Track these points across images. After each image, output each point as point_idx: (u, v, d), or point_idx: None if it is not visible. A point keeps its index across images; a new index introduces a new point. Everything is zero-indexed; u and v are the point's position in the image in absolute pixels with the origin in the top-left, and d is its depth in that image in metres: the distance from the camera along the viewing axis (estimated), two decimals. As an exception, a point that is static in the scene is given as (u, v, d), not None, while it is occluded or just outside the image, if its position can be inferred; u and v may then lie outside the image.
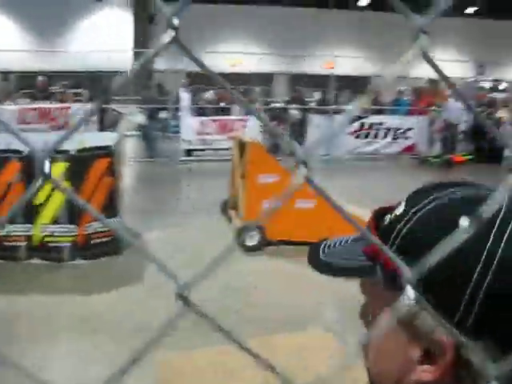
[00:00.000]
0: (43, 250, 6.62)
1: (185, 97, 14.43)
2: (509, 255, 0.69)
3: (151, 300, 5.71)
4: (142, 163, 13.24)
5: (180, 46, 0.45)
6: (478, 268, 0.69)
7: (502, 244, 0.69)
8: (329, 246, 0.92)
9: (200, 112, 14.84)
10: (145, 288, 6.03)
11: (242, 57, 22.62)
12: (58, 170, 6.39)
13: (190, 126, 13.85)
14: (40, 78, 14.77)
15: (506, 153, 13.14)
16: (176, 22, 0.44)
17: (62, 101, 14.21)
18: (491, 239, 0.69)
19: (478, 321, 0.69)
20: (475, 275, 0.69)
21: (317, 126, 14.42)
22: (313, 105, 17.21)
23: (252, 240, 7.08)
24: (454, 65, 21.10)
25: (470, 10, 30.77)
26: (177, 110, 15.01)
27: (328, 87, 16.67)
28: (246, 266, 6.65)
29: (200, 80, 14.61)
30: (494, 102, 17.62)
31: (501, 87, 22.97)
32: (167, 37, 0.44)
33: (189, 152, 13.99)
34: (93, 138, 7.19)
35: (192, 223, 8.34)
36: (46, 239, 6.60)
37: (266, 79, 25.61)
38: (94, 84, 16.98)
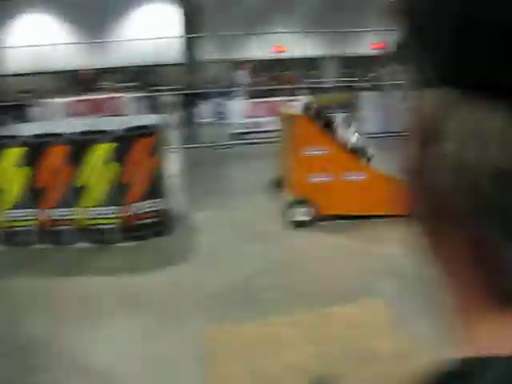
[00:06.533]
0: (89, 232, 6.60)
1: (242, 80, 14.41)
2: None
3: (199, 279, 5.62)
4: (188, 149, 13.14)
5: None
6: None
7: None
8: None
9: (250, 95, 14.77)
10: (193, 268, 5.93)
11: (286, 42, 22.36)
12: (105, 150, 6.38)
13: (238, 109, 13.79)
14: (82, 70, 14.97)
15: None
16: None
17: (111, 93, 14.36)
18: None
19: None
20: None
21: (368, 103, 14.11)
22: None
23: (302, 215, 6.91)
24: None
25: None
26: (225, 94, 14.97)
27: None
28: (297, 241, 6.51)
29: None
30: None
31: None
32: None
33: (238, 135, 13.88)
34: (137, 119, 7.18)
35: (241, 202, 8.21)
36: (91, 222, 6.57)
37: (312, 64, 25.28)
38: (142, 76, 17.04)
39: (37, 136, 6.61)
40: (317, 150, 6.85)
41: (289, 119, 7.62)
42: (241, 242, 6.59)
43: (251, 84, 15.18)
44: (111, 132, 6.42)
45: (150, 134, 6.55)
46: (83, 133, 6.58)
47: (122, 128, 6.49)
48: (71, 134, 6.52)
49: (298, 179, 7.02)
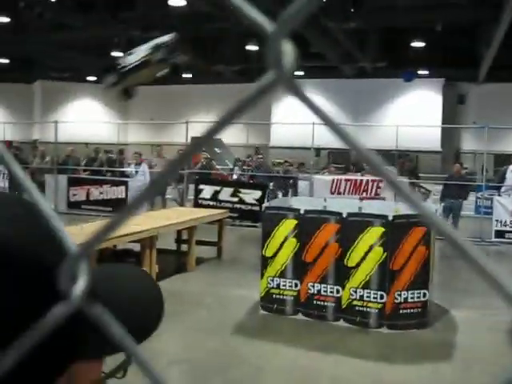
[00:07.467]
0: (350, 313, 6.67)
1: (511, 176, 13.91)
2: None
3: (457, 381, 5.33)
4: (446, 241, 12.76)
5: None
6: None
7: None
8: None
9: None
10: (453, 367, 5.65)
11: None
12: (375, 234, 6.46)
13: (503, 206, 13.15)
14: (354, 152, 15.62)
15: None
16: None
17: (372, 174, 14.70)
18: None
19: None
20: None
21: None
22: None
23: None
24: None
25: None
26: (492, 188, 14.52)
27: None
28: None
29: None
30: None
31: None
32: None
33: (502, 233, 13.18)
34: (408, 206, 7.17)
35: (503, 307, 7.70)
36: (355, 303, 6.63)
37: None
38: (403, 161, 17.17)
39: (310, 211, 6.93)
40: None
41: None
42: (501, 348, 6.14)
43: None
44: (384, 217, 6.50)
45: (423, 223, 6.49)
46: (354, 214, 6.76)
47: (394, 213, 6.54)
48: (343, 213, 6.72)
49: None
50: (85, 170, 18.10)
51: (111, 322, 0.37)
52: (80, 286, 0.33)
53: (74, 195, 16.18)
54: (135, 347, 0.39)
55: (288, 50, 0.26)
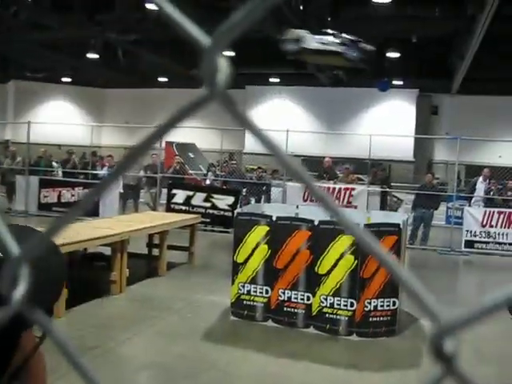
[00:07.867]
0: (320, 320, 6.69)
1: (479, 186, 14.12)
2: None
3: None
4: (417, 250, 12.92)
5: None
6: None
7: None
8: None
9: (486, 203, 14.31)
10: (421, 375, 5.69)
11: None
12: (346, 242, 6.49)
13: (474, 215, 13.33)
14: (326, 159, 15.74)
15: None
16: None
17: (345, 182, 14.83)
18: None
19: None
20: None
21: None
22: None
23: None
24: None
25: None
26: (461, 198, 14.75)
27: None
28: None
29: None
30: None
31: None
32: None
33: (471, 242, 13.34)
34: (379, 215, 7.22)
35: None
36: (325, 310, 6.65)
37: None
38: (375, 170, 17.30)
39: (282, 218, 6.94)
40: None
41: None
42: (467, 357, 6.20)
43: (488, 191, 14.67)
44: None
45: (395, 232, 6.55)
46: (326, 221, 6.78)
47: (366, 222, 6.58)
48: (315, 220, 6.74)
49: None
50: (47, 171, 17.79)
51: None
52: (20, 290, 0.33)
53: (46, 197, 15.99)
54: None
55: (223, 65, 0.26)
